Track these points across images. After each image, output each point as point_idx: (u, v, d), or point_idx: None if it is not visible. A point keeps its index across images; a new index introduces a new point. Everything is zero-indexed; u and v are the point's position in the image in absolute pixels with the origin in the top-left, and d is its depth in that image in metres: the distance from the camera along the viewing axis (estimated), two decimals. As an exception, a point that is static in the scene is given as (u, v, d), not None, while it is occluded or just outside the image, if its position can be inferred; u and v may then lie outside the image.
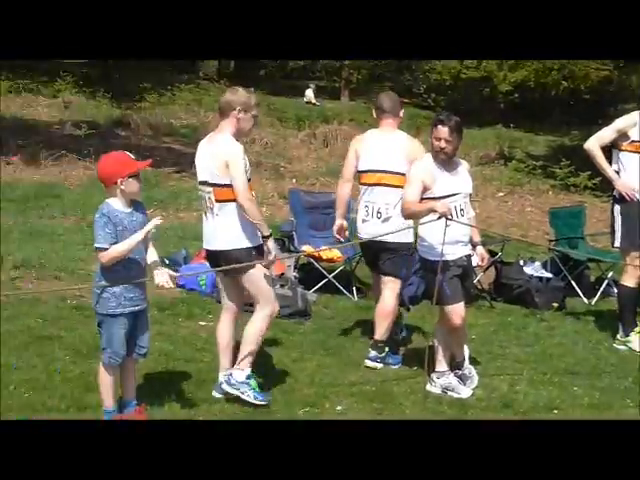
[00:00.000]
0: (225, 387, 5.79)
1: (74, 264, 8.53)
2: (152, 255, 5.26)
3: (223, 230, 5.71)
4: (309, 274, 8.82)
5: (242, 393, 5.72)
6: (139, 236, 5.06)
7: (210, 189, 5.68)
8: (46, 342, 6.60)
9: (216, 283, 6.26)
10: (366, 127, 9.80)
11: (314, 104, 24.54)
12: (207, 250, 5.95)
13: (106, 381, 5.26)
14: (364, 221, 6.78)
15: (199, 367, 6.34)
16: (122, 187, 5.05)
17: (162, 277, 5.17)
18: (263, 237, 5.71)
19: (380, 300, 6.80)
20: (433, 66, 24.80)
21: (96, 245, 5.03)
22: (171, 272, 5.46)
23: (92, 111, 18.85)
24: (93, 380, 5.52)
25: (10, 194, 11.81)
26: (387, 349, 6.78)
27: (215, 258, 5.85)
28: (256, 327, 5.80)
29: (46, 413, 5.36)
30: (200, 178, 5.80)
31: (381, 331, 6.74)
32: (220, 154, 5.63)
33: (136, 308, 5.19)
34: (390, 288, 6.72)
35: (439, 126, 5.99)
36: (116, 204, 5.09)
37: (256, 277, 5.76)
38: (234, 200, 5.63)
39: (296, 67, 28.73)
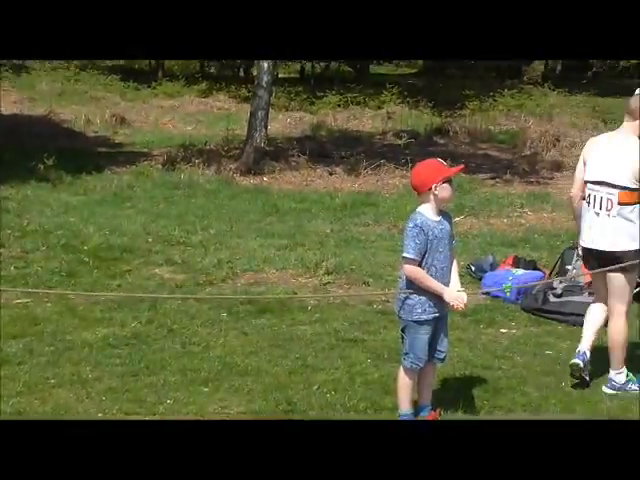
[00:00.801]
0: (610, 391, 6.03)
1: (383, 270, 8.72)
2: (453, 269, 5.30)
3: (623, 231, 5.78)
4: None
5: (628, 390, 6.01)
6: (441, 289, 5.12)
7: (614, 191, 5.77)
8: (350, 345, 6.82)
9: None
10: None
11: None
12: (591, 249, 5.97)
13: (405, 385, 5.36)
14: None
15: (497, 375, 6.25)
16: (436, 192, 5.13)
17: (454, 299, 5.17)
18: None
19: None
20: None
21: (404, 254, 5.14)
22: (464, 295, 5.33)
23: (414, 121, 19.30)
24: (392, 383, 5.63)
25: (330, 203, 12.37)
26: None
27: (604, 258, 5.87)
28: (620, 326, 5.97)
29: (345, 413, 5.57)
30: (597, 178, 5.86)
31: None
32: (637, 159, 5.71)
33: (438, 314, 5.25)
34: None
35: None
36: (427, 212, 5.17)
37: (632, 279, 5.95)
38: (637, 203, 5.73)
39: (627, 66, 27.35)
